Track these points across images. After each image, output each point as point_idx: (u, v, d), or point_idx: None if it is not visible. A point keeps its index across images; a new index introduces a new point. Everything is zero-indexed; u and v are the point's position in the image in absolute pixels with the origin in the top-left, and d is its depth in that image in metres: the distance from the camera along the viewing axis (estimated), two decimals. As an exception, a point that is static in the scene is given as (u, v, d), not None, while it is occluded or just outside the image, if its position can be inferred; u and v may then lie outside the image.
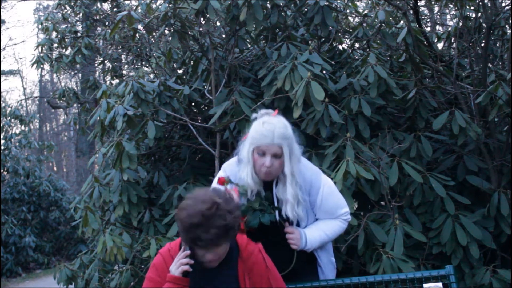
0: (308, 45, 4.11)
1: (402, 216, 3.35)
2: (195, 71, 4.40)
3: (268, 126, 2.25)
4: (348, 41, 4.62)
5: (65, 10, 7.01)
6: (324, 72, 3.67)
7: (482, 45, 3.92)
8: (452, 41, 4.35)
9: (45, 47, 6.77)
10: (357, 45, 4.55)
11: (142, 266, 3.76)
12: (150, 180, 4.09)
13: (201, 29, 4.20)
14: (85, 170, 16.80)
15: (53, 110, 21.65)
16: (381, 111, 3.85)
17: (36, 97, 22.05)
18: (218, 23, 4.66)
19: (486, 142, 3.64)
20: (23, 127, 11.59)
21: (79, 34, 6.86)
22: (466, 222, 3.20)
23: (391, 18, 4.25)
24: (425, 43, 3.97)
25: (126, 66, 7.08)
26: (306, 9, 4.14)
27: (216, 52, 4.13)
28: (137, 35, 4.63)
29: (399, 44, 3.95)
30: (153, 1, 4.72)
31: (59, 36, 6.76)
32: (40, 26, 6.83)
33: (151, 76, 5.19)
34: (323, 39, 4.29)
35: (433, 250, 3.25)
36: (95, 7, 7.00)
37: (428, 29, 5.67)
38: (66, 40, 6.79)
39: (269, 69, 3.79)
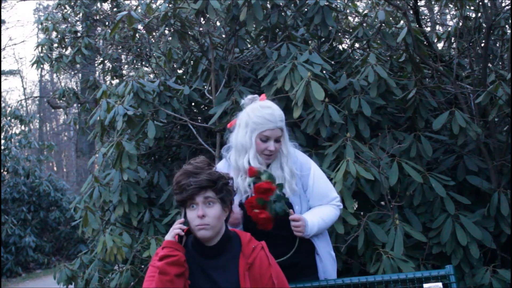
0: (308, 45, 4.11)
1: (402, 216, 3.35)
2: (195, 71, 4.41)
3: (268, 110, 2.31)
4: (348, 41, 4.62)
5: (65, 10, 7.01)
6: (324, 72, 3.67)
7: (482, 45, 3.92)
8: (452, 41, 4.35)
9: (45, 47, 6.77)
10: (357, 45, 4.55)
11: (142, 266, 3.76)
12: (150, 180, 4.09)
13: (201, 29, 4.20)
14: (85, 170, 16.80)
15: (53, 110, 21.66)
16: (381, 111, 3.85)
17: (36, 97, 22.06)
18: (218, 23, 4.66)
19: (486, 142, 3.64)
20: (23, 127, 11.59)
21: (79, 34, 6.86)
22: (466, 222, 3.20)
23: (391, 18, 4.25)
24: (425, 43, 3.97)
25: (126, 66, 7.09)
26: (306, 9, 4.14)
27: (216, 52, 4.13)
28: (137, 35, 4.63)
29: (399, 44, 3.95)
30: (153, 1, 4.72)
31: (59, 36, 6.76)
32: (40, 26, 6.83)
33: (151, 76, 5.20)
34: (323, 39, 4.29)
35: (433, 250, 3.25)
36: (95, 7, 7.00)
37: (428, 29, 5.67)
38: (66, 40, 6.79)
39: (269, 69, 3.79)
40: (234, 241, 2.00)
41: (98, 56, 7.21)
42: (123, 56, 6.66)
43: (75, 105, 8.33)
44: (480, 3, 3.77)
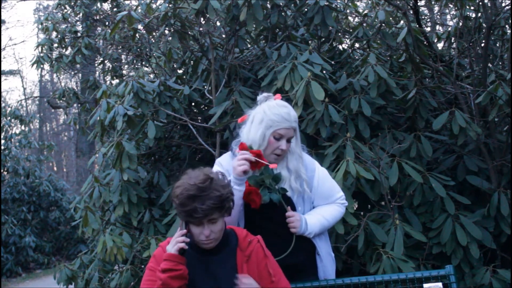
0: (308, 45, 4.11)
1: (402, 216, 3.35)
2: (195, 71, 4.41)
3: (285, 109, 2.32)
4: (348, 41, 4.62)
5: (65, 10, 7.01)
6: (324, 72, 3.67)
7: (482, 45, 3.92)
8: (452, 41, 4.35)
9: (45, 47, 6.77)
10: (357, 45, 4.55)
11: (142, 266, 3.76)
12: (150, 180, 4.09)
13: (201, 29, 4.20)
14: (85, 170, 16.80)
15: (53, 110, 21.66)
16: (381, 111, 3.85)
17: (36, 97, 22.05)
18: (218, 23, 4.66)
19: (486, 142, 3.64)
20: (23, 127, 11.58)
21: (79, 34, 6.86)
22: (466, 222, 3.20)
23: (391, 18, 4.25)
24: (425, 43, 3.97)
25: (126, 66, 7.09)
26: (306, 9, 4.14)
27: (216, 52, 4.13)
28: (137, 35, 4.63)
29: (399, 44, 3.95)
30: (153, 1, 4.72)
31: (59, 36, 6.76)
32: (40, 26, 6.83)
33: (151, 76, 5.19)
34: (323, 39, 4.29)
35: (433, 250, 3.25)
36: (95, 7, 7.00)
37: (428, 29, 5.67)
38: (66, 40, 6.79)
39: (269, 69, 3.79)
40: (231, 237, 2.04)
41: (98, 56, 7.21)
42: (123, 56, 6.66)
43: (75, 105, 8.33)
44: (480, 3, 3.77)
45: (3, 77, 22.06)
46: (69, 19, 6.91)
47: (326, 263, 2.42)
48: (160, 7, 4.33)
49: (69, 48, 6.78)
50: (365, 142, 3.53)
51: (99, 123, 3.89)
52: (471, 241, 3.16)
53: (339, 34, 4.44)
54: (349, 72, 4.06)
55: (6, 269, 9.96)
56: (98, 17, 7.05)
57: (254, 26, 3.79)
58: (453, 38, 4.31)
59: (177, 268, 1.90)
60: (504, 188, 3.37)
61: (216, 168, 2.43)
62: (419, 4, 4.41)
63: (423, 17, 5.62)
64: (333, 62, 4.20)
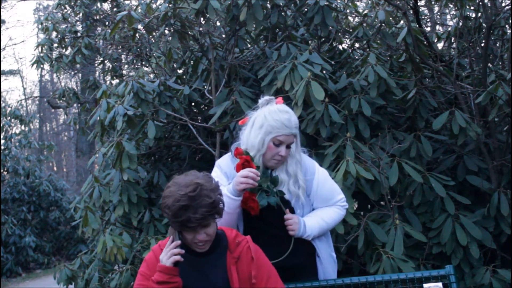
0: (308, 45, 4.11)
1: (402, 216, 3.35)
2: (195, 71, 4.41)
3: (286, 115, 2.28)
4: (348, 41, 4.62)
5: (65, 10, 7.02)
6: (324, 72, 3.67)
7: (482, 45, 3.92)
8: (452, 41, 4.35)
9: (45, 47, 6.77)
10: (357, 45, 4.55)
11: (142, 266, 3.75)
12: (150, 180, 4.09)
13: (201, 29, 4.20)
14: (85, 170, 16.80)
15: (53, 110, 21.66)
16: (381, 111, 3.85)
17: (36, 97, 22.06)
18: (218, 23, 4.66)
19: (486, 142, 3.64)
20: (23, 127, 11.59)
21: (79, 34, 6.86)
22: (466, 222, 3.20)
23: (391, 18, 4.25)
24: (425, 43, 3.97)
25: (126, 66, 7.08)
26: (306, 9, 4.14)
27: (216, 52, 4.13)
28: (137, 35, 4.63)
29: (399, 44, 3.95)
30: (153, 1, 4.72)
31: (59, 36, 6.76)
32: (40, 26, 6.83)
33: (151, 76, 5.19)
34: (323, 39, 4.29)
35: (433, 250, 3.25)
36: (95, 7, 7.00)
37: (428, 29, 5.67)
38: (66, 40, 6.79)
39: (269, 69, 3.79)
40: (221, 238, 2.04)
41: (98, 56, 7.21)
42: (123, 56, 6.66)
43: (75, 105, 8.33)
44: (480, 3, 3.77)
45: (3, 77, 22.07)
46: (69, 19, 6.91)
47: (327, 264, 2.41)
48: (160, 7, 4.33)
49: (69, 48, 6.79)
50: (365, 142, 3.53)
51: (99, 123, 3.89)
52: (471, 241, 3.16)
53: (339, 34, 4.44)
54: (349, 72, 4.06)
55: (6, 269, 9.96)
56: (98, 17, 7.05)
57: (254, 26, 3.79)
58: (453, 38, 4.31)
59: (172, 281, 1.90)
60: (504, 188, 3.37)
61: (215, 170, 2.43)
62: (419, 4, 4.41)
63: (423, 17, 5.62)
64: (333, 62, 4.20)
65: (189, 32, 4.12)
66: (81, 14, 7.16)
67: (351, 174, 3.05)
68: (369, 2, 5.03)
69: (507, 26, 4.10)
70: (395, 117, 3.98)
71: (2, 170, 10.80)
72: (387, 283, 2.25)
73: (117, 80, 6.62)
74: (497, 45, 4.41)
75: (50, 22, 6.70)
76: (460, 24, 4.23)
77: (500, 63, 4.39)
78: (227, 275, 1.96)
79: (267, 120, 2.28)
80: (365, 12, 4.62)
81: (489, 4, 3.88)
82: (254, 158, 2.29)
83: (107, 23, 6.95)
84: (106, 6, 7.18)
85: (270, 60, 3.86)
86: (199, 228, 1.89)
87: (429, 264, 3.24)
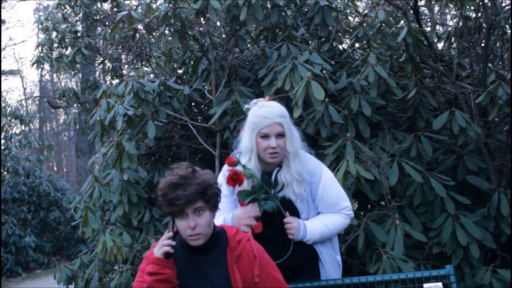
0: (308, 45, 4.11)
1: (402, 216, 3.35)
2: (195, 71, 4.41)
3: (266, 108, 2.31)
4: (348, 41, 4.62)
5: (65, 10, 7.01)
6: (324, 72, 3.67)
7: (482, 45, 3.92)
8: (452, 41, 4.35)
9: (45, 47, 6.77)
10: (357, 45, 4.55)
11: (142, 266, 3.76)
12: (150, 180, 4.09)
13: (201, 29, 4.20)
14: (85, 170, 16.78)
15: (53, 110, 21.66)
16: (381, 111, 3.85)
17: (36, 97, 22.04)
18: (218, 23, 4.66)
19: (486, 142, 3.64)
20: (23, 127, 11.58)
21: (79, 34, 6.86)
22: (466, 222, 3.20)
23: (391, 18, 4.25)
24: (425, 43, 3.97)
25: (126, 66, 7.08)
26: (306, 9, 4.14)
27: (216, 52, 4.13)
28: (137, 35, 4.63)
29: (399, 44, 3.95)
30: (153, 1, 4.72)
31: (59, 36, 6.76)
32: (40, 26, 6.83)
33: (151, 76, 5.19)
34: (323, 39, 4.29)
35: (433, 250, 3.25)
36: (95, 7, 7.00)
37: (428, 29, 5.67)
38: (66, 40, 6.79)
39: (269, 69, 3.79)
40: (221, 236, 2.03)
41: (98, 56, 7.21)
42: (123, 56, 6.66)
43: (75, 105, 8.33)
44: (480, 3, 3.77)
45: (3, 77, 22.07)
46: (69, 19, 6.90)
47: (329, 268, 2.40)
48: (160, 7, 4.33)
49: (69, 48, 6.78)
50: (365, 142, 3.53)
51: (99, 123, 3.90)
52: (471, 241, 3.16)
53: (339, 34, 4.44)
54: (349, 72, 4.06)
55: (6, 269, 9.96)
56: (98, 17, 7.05)
57: (254, 26, 3.79)
58: (453, 38, 4.31)
59: (162, 272, 1.90)
60: (504, 188, 3.37)
61: (220, 177, 2.43)
62: (419, 4, 4.42)
63: (423, 17, 5.62)
64: (333, 62, 4.20)
65: (189, 32, 4.12)
66: (81, 14, 7.16)
67: (351, 174, 3.05)
68: (369, 2, 5.03)
69: (507, 26, 4.10)
70: (395, 117, 3.98)
71: (2, 170, 10.80)
72: (387, 283, 2.25)
73: (117, 80, 6.62)
74: (497, 45, 4.41)
75: (50, 22, 6.69)
76: (460, 24, 4.23)
77: (500, 63, 4.39)
78: (228, 274, 1.96)
79: (250, 118, 2.33)
80: (365, 12, 4.62)
81: (489, 4, 3.88)
82: (251, 160, 2.29)
83: (107, 23, 6.95)
84: (106, 6, 7.18)
85: (270, 60, 3.86)
86: (189, 212, 1.89)
87: (429, 264, 3.24)
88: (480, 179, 3.49)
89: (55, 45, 6.88)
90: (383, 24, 4.05)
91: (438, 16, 7.12)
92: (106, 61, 6.75)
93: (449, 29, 4.72)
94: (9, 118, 10.84)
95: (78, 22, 7.44)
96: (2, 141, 10.97)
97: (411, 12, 4.09)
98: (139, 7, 4.95)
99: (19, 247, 10.29)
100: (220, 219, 2.32)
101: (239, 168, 2.25)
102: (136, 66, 6.23)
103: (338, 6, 4.28)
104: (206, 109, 4.48)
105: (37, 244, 10.76)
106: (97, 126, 4.08)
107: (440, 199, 3.32)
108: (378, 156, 3.26)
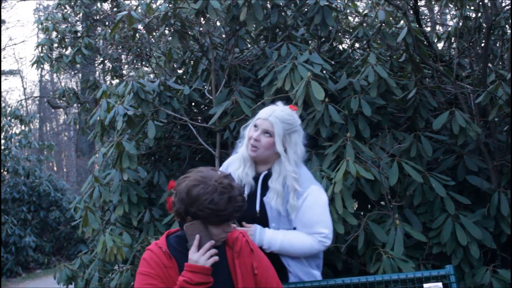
0: (308, 45, 4.11)
1: (402, 216, 3.35)
2: (195, 71, 4.41)
3: (273, 106, 2.39)
4: (348, 41, 4.62)
5: (65, 10, 7.01)
6: (324, 72, 3.67)
7: (482, 45, 3.92)
8: (452, 41, 4.35)
9: (45, 47, 6.77)
10: (357, 45, 4.55)
11: (142, 266, 3.75)
12: (150, 180, 4.09)
13: (201, 29, 4.20)
14: (85, 170, 16.79)
15: (53, 110, 21.67)
16: (381, 111, 3.85)
17: (36, 97, 22.05)
18: (218, 23, 4.66)
19: (486, 142, 3.64)
20: (23, 127, 11.58)
21: (79, 34, 6.86)
22: (466, 222, 3.20)
23: (391, 18, 4.25)
24: (425, 43, 3.97)
25: (126, 66, 7.09)
26: (306, 9, 4.14)
27: (216, 52, 4.13)
28: (137, 35, 4.63)
29: (399, 44, 3.95)
30: (153, 1, 4.72)
31: (59, 36, 6.76)
32: (40, 26, 6.83)
33: (151, 76, 5.19)
34: (323, 39, 4.29)
35: (433, 250, 3.25)
36: (95, 7, 7.00)
37: (428, 29, 5.67)
38: (66, 40, 6.79)
39: (269, 69, 3.79)
40: None
41: (98, 56, 7.21)
42: (123, 56, 6.66)
43: (75, 105, 8.33)
44: (480, 3, 3.77)
45: (3, 77, 22.07)
46: (69, 19, 6.91)
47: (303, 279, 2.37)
48: (160, 7, 4.33)
49: (69, 48, 6.79)
50: (365, 142, 3.53)
51: (99, 123, 3.90)
52: (471, 241, 3.16)
53: (339, 34, 4.43)
54: (349, 72, 4.06)
55: (6, 269, 9.96)
56: (98, 17, 7.05)
57: (254, 26, 3.79)
58: (453, 38, 4.31)
59: (209, 281, 1.89)
60: (504, 188, 3.37)
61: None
62: (419, 4, 4.42)
63: (423, 17, 5.62)
64: (333, 62, 4.20)
65: (189, 32, 4.12)
66: (81, 14, 7.16)
67: (351, 174, 3.05)
68: (369, 2, 5.03)
69: (507, 26, 4.10)
70: (395, 117, 3.98)
71: (2, 170, 10.80)
72: (387, 283, 2.25)
73: (117, 80, 6.63)
74: (497, 45, 4.41)
75: (50, 22, 6.70)
76: (460, 24, 4.23)
77: (500, 63, 4.39)
78: (229, 271, 1.96)
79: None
80: (365, 12, 4.62)
81: (489, 4, 3.88)
82: (242, 147, 2.40)
83: (107, 23, 6.95)
84: (106, 6, 7.18)
85: (270, 60, 3.86)
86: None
87: (429, 264, 3.24)
88: (480, 179, 3.49)
89: (55, 45, 6.89)
90: (383, 24, 4.05)
91: (438, 16, 7.12)
92: (106, 61, 6.75)
93: (449, 29, 4.72)
94: (9, 118, 10.85)
95: (78, 22, 7.45)
96: (2, 141, 10.98)
97: (411, 12, 4.09)
98: (139, 7, 4.95)
99: (19, 247, 10.29)
100: None
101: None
102: (136, 66, 6.23)
103: (338, 6, 4.28)
104: (206, 109, 4.48)
105: (37, 244, 10.77)
106: (97, 126, 4.08)
107: (440, 199, 3.32)
108: (378, 156, 3.26)
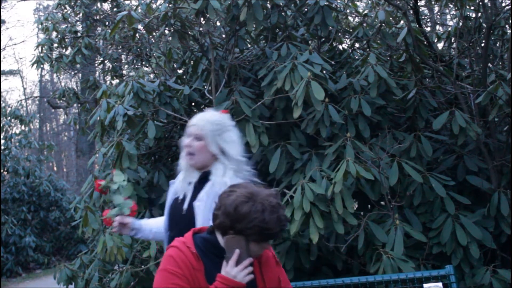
0: (308, 45, 4.11)
1: (402, 216, 3.35)
2: (195, 71, 4.41)
3: (202, 113, 2.39)
4: (348, 41, 4.62)
5: (65, 10, 7.02)
6: (324, 72, 3.67)
7: (482, 45, 3.92)
8: (452, 41, 4.35)
9: (45, 47, 6.77)
10: (357, 45, 4.55)
11: (142, 266, 3.76)
12: (150, 180, 4.09)
13: (201, 29, 4.20)
14: (85, 170, 16.79)
15: (53, 110, 21.66)
16: (381, 111, 3.85)
17: (36, 97, 22.06)
18: (218, 23, 4.66)
19: (486, 142, 3.64)
20: (23, 127, 11.59)
21: (79, 34, 6.86)
22: (466, 222, 3.20)
23: (391, 18, 4.25)
24: (425, 43, 3.97)
25: (126, 66, 7.09)
26: (306, 9, 4.14)
27: (216, 52, 4.13)
28: (137, 35, 4.63)
29: (399, 44, 3.95)
30: (153, 1, 4.73)
31: (59, 36, 6.76)
32: (40, 26, 6.83)
33: (151, 76, 5.20)
34: (323, 39, 4.29)
35: (433, 250, 3.25)
36: (95, 7, 7.00)
37: (428, 29, 5.67)
38: (66, 40, 6.79)
39: (269, 69, 3.79)
40: None
41: (98, 56, 7.22)
42: (123, 56, 6.66)
43: (75, 105, 8.33)
44: (480, 3, 3.78)
45: (3, 77, 22.07)
46: (69, 19, 6.91)
47: None
48: (160, 7, 4.33)
49: (69, 48, 6.79)
50: (365, 142, 3.53)
51: (99, 123, 3.90)
52: (471, 241, 3.16)
53: (339, 34, 4.44)
54: (349, 72, 4.06)
55: (6, 269, 9.96)
56: (98, 17, 7.06)
57: (254, 26, 3.79)
58: (453, 38, 4.31)
59: None
60: (504, 188, 3.37)
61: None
62: (419, 4, 4.42)
63: (423, 17, 5.62)
64: (333, 62, 4.20)
65: (189, 32, 4.12)
66: (81, 14, 7.16)
67: (351, 174, 3.05)
68: (369, 2, 5.03)
69: (507, 26, 4.11)
70: (395, 117, 3.98)
71: (2, 170, 10.80)
72: (387, 283, 2.26)
73: (117, 80, 6.63)
74: (497, 45, 4.41)
75: (50, 22, 6.70)
76: (460, 24, 4.23)
77: (500, 63, 4.39)
78: (255, 284, 1.95)
79: None
80: (365, 12, 4.63)
81: (489, 4, 3.88)
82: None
83: (107, 23, 6.95)
84: (106, 6, 7.19)
85: (270, 60, 3.86)
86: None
87: (429, 264, 3.24)
88: (480, 179, 3.49)
89: (55, 45, 6.89)
90: (383, 24, 4.05)
91: (438, 16, 7.12)
92: (106, 61, 6.76)
93: (449, 29, 4.72)
94: (9, 118, 10.85)
95: (78, 22, 7.45)
96: (2, 141, 10.98)
97: (411, 12, 4.09)
98: (139, 7, 4.95)
99: (19, 247, 10.30)
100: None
101: (103, 183, 2.46)
102: (136, 66, 6.24)
103: (338, 6, 4.28)
104: (206, 109, 4.47)
105: (37, 244, 10.77)
106: (97, 126, 4.08)
107: (440, 199, 3.32)
108: (378, 156, 3.26)
